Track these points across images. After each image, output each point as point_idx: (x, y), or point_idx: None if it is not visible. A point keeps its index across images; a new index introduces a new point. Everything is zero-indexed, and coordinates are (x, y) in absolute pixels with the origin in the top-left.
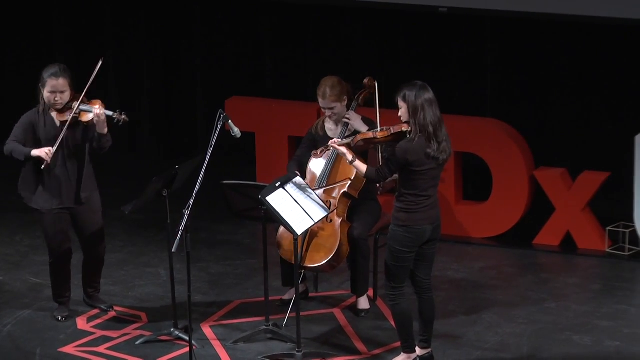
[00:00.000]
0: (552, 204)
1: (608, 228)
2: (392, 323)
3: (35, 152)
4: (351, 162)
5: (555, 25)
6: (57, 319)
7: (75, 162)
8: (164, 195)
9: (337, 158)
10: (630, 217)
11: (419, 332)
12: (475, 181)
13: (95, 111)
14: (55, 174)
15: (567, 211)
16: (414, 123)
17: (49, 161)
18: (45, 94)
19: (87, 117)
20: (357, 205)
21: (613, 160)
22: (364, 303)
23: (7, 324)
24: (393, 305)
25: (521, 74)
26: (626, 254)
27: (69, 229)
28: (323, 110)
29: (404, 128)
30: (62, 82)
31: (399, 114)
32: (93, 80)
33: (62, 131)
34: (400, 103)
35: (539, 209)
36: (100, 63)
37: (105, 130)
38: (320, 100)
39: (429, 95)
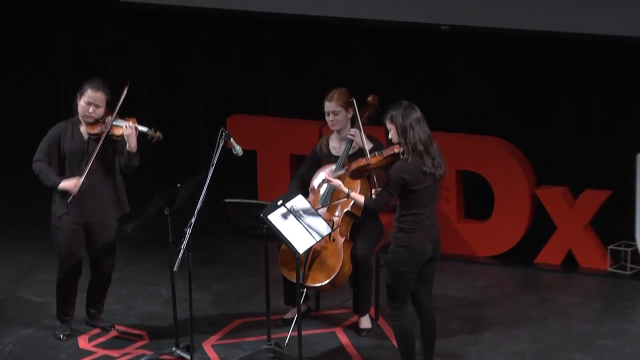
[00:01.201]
0: (554, 223)
1: (610, 247)
2: (394, 342)
3: (63, 185)
4: (348, 195)
5: (557, 42)
6: (59, 338)
7: (105, 179)
8: (166, 213)
9: (341, 177)
10: (632, 236)
11: (421, 351)
12: (477, 199)
13: (127, 124)
14: (84, 189)
15: (569, 230)
16: (405, 143)
17: (75, 194)
18: (82, 103)
19: (118, 131)
20: (360, 225)
21: (615, 178)
22: (365, 322)
23: (8, 343)
24: (395, 325)
25: (523, 92)
26: (628, 272)
27: (82, 245)
28: (327, 116)
29: (396, 150)
30: (100, 96)
31: (389, 136)
32: (122, 102)
33: (88, 146)
34: (389, 125)
35: (541, 227)
36: (127, 88)
37: (135, 147)
38: (326, 103)
39: (416, 113)
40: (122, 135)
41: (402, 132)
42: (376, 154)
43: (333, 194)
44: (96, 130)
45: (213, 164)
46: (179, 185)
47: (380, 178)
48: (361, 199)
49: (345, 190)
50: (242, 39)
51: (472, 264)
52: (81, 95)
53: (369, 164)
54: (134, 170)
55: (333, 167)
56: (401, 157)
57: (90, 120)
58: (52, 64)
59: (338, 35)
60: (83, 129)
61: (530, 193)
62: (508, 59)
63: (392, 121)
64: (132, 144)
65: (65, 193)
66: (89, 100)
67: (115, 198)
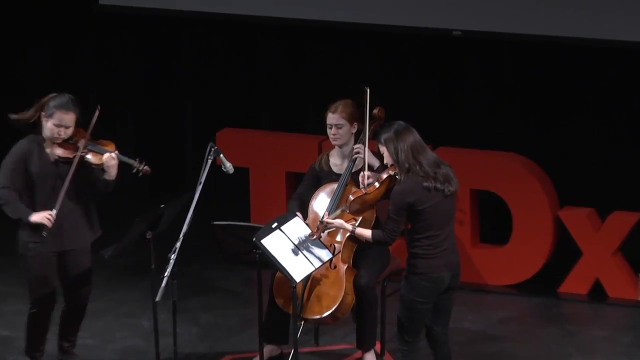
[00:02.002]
0: (579, 248)
1: None
2: None
3: (35, 219)
4: (353, 232)
5: (581, 49)
6: None
7: (79, 204)
8: (148, 237)
9: (344, 196)
10: None
11: None
12: (493, 222)
13: (110, 155)
14: (58, 216)
15: (596, 256)
16: (398, 163)
17: (50, 226)
18: (49, 125)
19: (96, 159)
20: (363, 250)
21: None
22: (370, 359)
23: None
24: None
25: (543, 103)
26: None
27: (55, 273)
28: (329, 129)
29: (391, 172)
30: (71, 117)
31: (385, 161)
32: (93, 126)
33: (58, 168)
34: (381, 148)
35: (565, 253)
36: (97, 113)
37: (114, 176)
38: (329, 115)
39: (407, 131)
40: (100, 165)
41: (395, 152)
42: (370, 183)
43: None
44: (67, 154)
45: (201, 183)
46: (162, 206)
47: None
48: (368, 233)
49: (349, 227)
50: (233, 45)
51: (488, 294)
52: (48, 116)
53: (366, 194)
54: (106, 194)
55: (334, 186)
56: (397, 178)
57: (59, 141)
58: (20, 73)
59: (341, 42)
60: (50, 150)
61: (553, 215)
62: (527, 68)
63: (383, 143)
64: (112, 174)
65: (35, 226)
66: (58, 123)
67: (88, 221)
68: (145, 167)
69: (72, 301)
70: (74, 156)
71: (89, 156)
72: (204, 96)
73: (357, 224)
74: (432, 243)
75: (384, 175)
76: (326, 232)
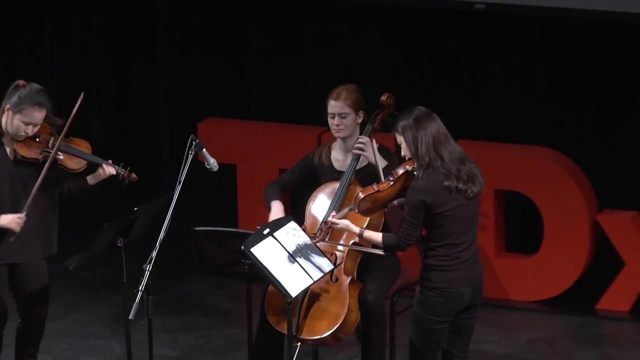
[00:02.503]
0: (621, 258)
1: None
2: None
3: (3, 222)
4: (360, 236)
5: (628, 27)
6: None
7: (42, 211)
8: (119, 245)
9: (346, 197)
10: None
11: None
12: (521, 228)
13: (107, 167)
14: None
15: None
16: (416, 157)
17: (18, 232)
18: (16, 122)
19: (72, 163)
20: (370, 260)
21: None
22: None
23: None
24: None
25: (580, 90)
26: None
27: (5, 286)
28: (330, 119)
29: (408, 167)
30: (43, 114)
31: (402, 153)
32: (72, 120)
33: (16, 169)
34: (398, 138)
35: (604, 264)
36: (81, 100)
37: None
38: (331, 102)
39: (429, 118)
40: (77, 170)
41: (414, 143)
42: (384, 179)
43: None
44: (33, 154)
45: (180, 182)
46: (135, 209)
47: (395, 218)
48: (378, 237)
49: (357, 230)
50: (217, 21)
51: (515, 311)
52: (16, 111)
53: (378, 192)
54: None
55: (336, 185)
56: (415, 173)
57: (21, 138)
58: None
59: (344, 16)
60: (9, 147)
61: (591, 220)
62: (561, 48)
63: (401, 132)
64: (94, 182)
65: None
66: (28, 121)
67: (46, 235)
68: (133, 176)
69: (27, 317)
70: (43, 157)
71: (63, 158)
72: (183, 81)
73: (365, 226)
74: (451, 253)
75: (400, 171)
76: (326, 238)
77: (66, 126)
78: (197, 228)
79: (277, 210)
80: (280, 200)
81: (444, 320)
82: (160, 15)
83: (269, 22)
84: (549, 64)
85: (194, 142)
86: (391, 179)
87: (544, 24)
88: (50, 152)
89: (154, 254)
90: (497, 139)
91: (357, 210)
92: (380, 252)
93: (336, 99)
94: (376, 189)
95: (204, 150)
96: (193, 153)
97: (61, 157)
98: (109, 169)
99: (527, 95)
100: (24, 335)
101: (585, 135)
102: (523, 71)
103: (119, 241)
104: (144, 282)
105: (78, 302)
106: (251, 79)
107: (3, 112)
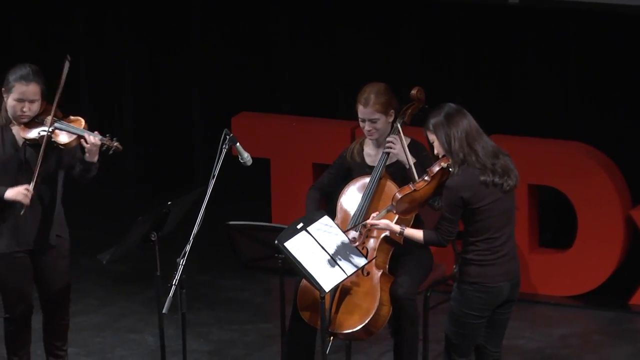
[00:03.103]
0: None
1: None
2: None
3: (10, 195)
4: (401, 234)
5: None
6: None
7: (47, 193)
8: (153, 239)
9: (377, 191)
10: None
11: None
12: (555, 223)
13: (89, 138)
14: (19, 210)
15: None
16: (450, 153)
17: (28, 203)
18: (10, 102)
19: (64, 139)
20: (402, 255)
21: None
22: None
23: None
24: None
25: (615, 84)
26: None
27: (30, 278)
28: (362, 123)
29: (443, 164)
30: (32, 89)
31: (435, 151)
32: (63, 89)
33: (25, 154)
34: (430, 136)
35: (637, 258)
36: (68, 64)
37: (96, 158)
38: (360, 108)
39: (460, 114)
40: (69, 144)
41: (447, 140)
42: (420, 178)
43: (368, 214)
44: (34, 134)
45: (214, 177)
46: (169, 203)
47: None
48: (419, 234)
49: (397, 228)
50: (250, 14)
51: (548, 306)
52: (8, 91)
53: (415, 191)
54: (91, 180)
55: (367, 180)
56: (450, 170)
57: (25, 119)
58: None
59: (375, 14)
60: (16, 130)
61: (624, 215)
62: (597, 43)
63: (433, 130)
64: (92, 157)
65: (8, 210)
66: (20, 97)
67: (57, 219)
68: (116, 144)
69: (50, 312)
70: (41, 137)
71: (56, 134)
72: (217, 75)
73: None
74: (490, 248)
75: (436, 168)
76: (358, 232)
77: (56, 98)
78: (231, 222)
79: None
80: (320, 206)
81: (482, 315)
82: (194, 10)
83: (301, 17)
84: (583, 59)
85: (227, 137)
86: (427, 177)
87: (579, 19)
88: (46, 131)
89: (188, 248)
90: (531, 134)
91: (394, 212)
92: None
93: (365, 105)
94: (413, 189)
95: (238, 144)
96: (227, 147)
97: (55, 134)
98: (92, 139)
99: (561, 90)
100: (49, 331)
101: (619, 130)
102: (557, 66)
103: (152, 235)
104: (177, 276)
105: (111, 296)
106: (285, 74)
107: (4, 100)
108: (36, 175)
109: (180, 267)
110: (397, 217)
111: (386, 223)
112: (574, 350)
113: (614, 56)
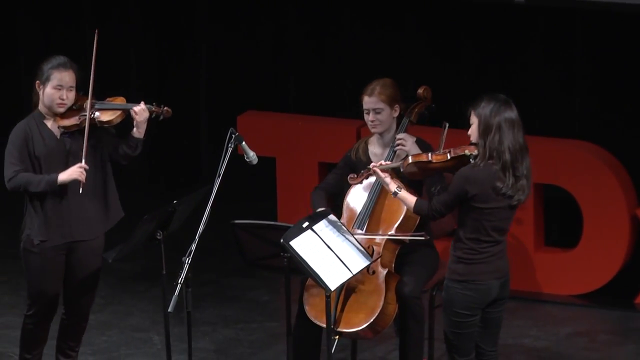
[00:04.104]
0: None
1: None
2: None
3: (64, 177)
4: (395, 194)
5: None
6: None
7: (94, 180)
8: (158, 238)
9: (383, 190)
10: None
11: None
12: (561, 222)
13: (137, 107)
14: (66, 200)
15: None
16: (483, 145)
17: (84, 181)
18: (49, 90)
19: (107, 116)
20: (408, 253)
21: None
22: None
23: None
24: None
25: (621, 84)
26: None
27: (61, 275)
28: (365, 115)
29: (467, 151)
30: (70, 76)
31: (469, 132)
32: (96, 64)
33: (65, 144)
34: (472, 118)
35: None
36: (96, 38)
37: (144, 133)
38: (365, 98)
39: (511, 114)
40: (112, 121)
41: (485, 130)
42: (443, 151)
43: (374, 212)
44: (73, 121)
45: (219, 175)
46: (175, 202)
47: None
48: (411, 200)
49: (393, 187)
50: (257, 13)
51: (554, 305)
52: (45, 81)
53: (430, 161)
54: (133, 159)
55: (373, 179)
56: (471, 161)
57: (62, 109)
58: (9, 46)
59: (381, 12)
60: (51, 123)
61: (630, 214)
62: (602, 42)
63: (477, 114)
64: (142, 130)
65: (52, 200)
66: (59, 84)
67: (105, 205)
68: (165, 108)
69: (72, 308)
70: (81, 121)
71: (98, 115)
72: (222, 74)
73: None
74: (478, 248)
75: (460, 152)
76: (363, 231)
77: (91, 73)
78: (236, 221)
79: None
80: (327, 207)
81: (472, 313)
82: (200, 8)
83: (308, 16)
84: (589, 58)
85: (233, 135)
86: (448, 155)
87: (585, 17)
88: (87, 114)
89: (194, 246)
90: (538, 132)
91: (402, 170)
92: (421, 237)
93: (370, 95)
94: (429, 159)
95: (244, 143)
96: (232, 146)
97: (97, 114)
98: (141, 111)
99: (567, 89)
100: (67, 328)
101: (625, 129)
102: (563, 65)
103: (158, 234)
104: (183, 275)
105: (117, 295)
106: (291, 73)
107: (36, 93)
108: (85, 156)
109: (186, 266)
110: (404, 211)
111: (384, 176)
112: (580, 349)
113: (620, 55)
